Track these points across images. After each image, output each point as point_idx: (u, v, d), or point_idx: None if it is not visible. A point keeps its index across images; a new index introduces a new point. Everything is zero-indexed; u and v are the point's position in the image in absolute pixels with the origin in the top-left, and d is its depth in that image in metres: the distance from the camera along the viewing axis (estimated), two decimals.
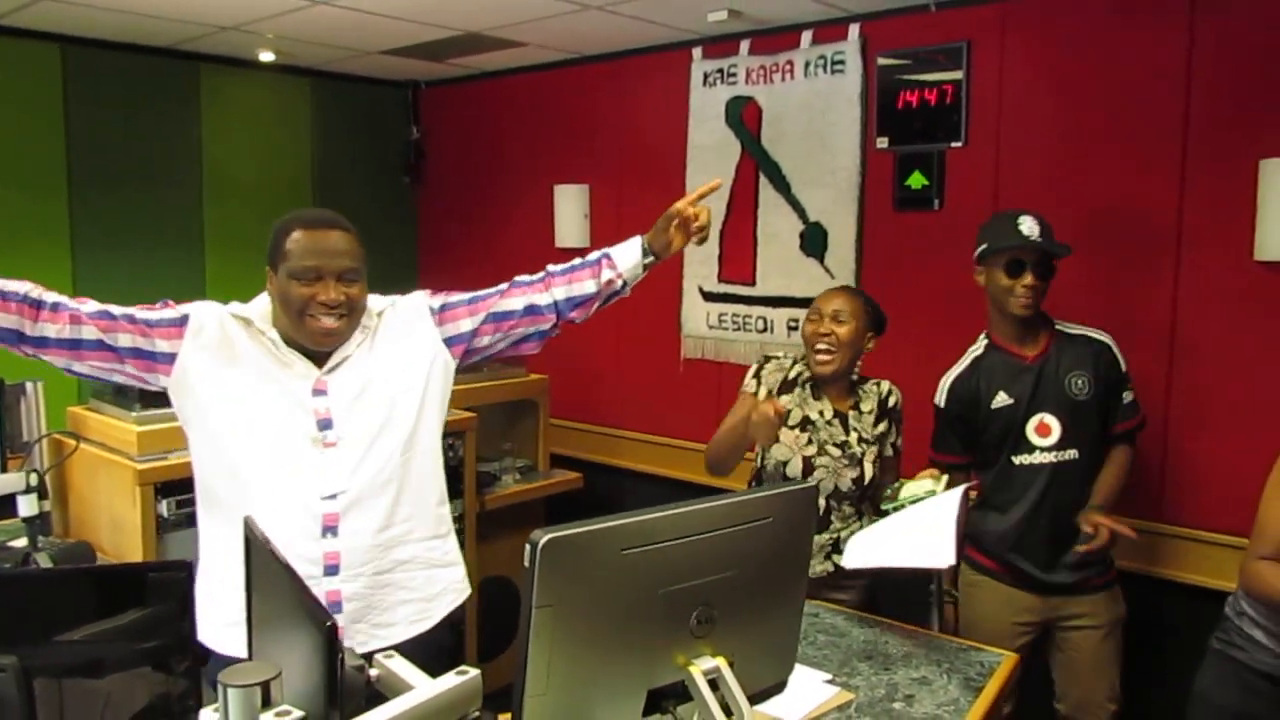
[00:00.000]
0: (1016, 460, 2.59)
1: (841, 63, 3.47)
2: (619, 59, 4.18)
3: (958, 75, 3.21)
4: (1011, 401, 2.58)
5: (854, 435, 2.54)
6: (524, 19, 3.61)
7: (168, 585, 1.27)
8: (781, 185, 3.68)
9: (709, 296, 3.95)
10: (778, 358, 2.60)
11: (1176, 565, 2.92)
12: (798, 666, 1.70)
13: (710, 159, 3.88)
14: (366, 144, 5.00)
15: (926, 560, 2.15)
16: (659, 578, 1.38)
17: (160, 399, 2.67)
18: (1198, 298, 2.84)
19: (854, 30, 3.44)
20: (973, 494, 2.40)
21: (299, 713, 0.99)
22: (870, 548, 2.29)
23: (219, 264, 4.44)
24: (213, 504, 1.94)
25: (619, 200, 4.28)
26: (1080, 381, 2.56)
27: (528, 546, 1.25)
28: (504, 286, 2.13)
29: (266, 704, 0.99)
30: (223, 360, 1.90)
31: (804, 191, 3.63)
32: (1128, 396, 2.62)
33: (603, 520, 1.33)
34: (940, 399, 2.69)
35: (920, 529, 2.21)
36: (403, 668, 1.16)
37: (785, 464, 2.50)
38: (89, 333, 1.83)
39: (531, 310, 2.10)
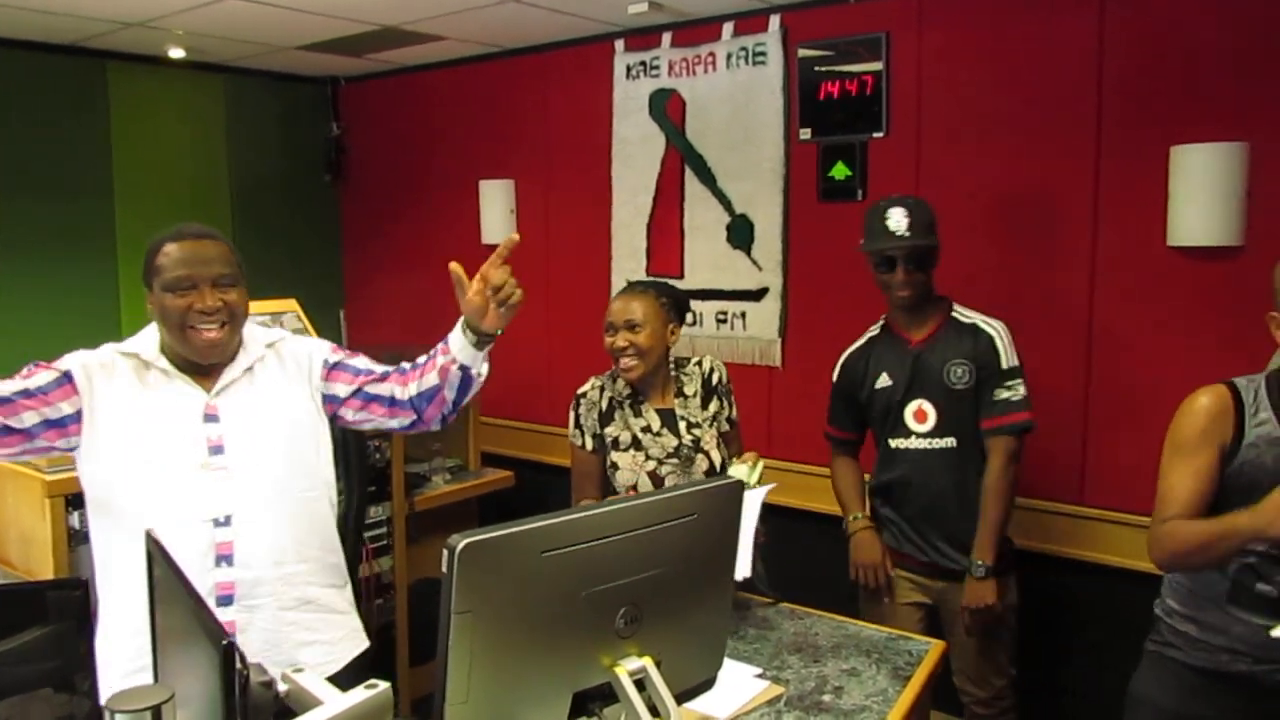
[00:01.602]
0: (893, 443, 2.63)
1: (763, 54, 3.47)
2: (541, 52, 4.14)
3: (877, 66, 3.23)
4: (890, 384, 2.61)
5: (683, 426, 2.49)
6: (440, 12, 3.54)
7: (67, 603, 1.21)
8: (707, 178, 3.68)
9: None
10: (585, 393, 2.52)
11: (1098, 547, 2.98)
12: (727, 661, 1.69)
13: (635, 152, 3.87)
14: (285, 142, 4.87)
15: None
16: (582, 579, 1.36)
17: None
18: (1113, 283, 2.90)
19: (774, 21, 3.44)
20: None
21: None
22: None
23: (133, 268, 4.25)
24: (110, 550, 1.86)
25: (545, 195, 4.24)
26: (960, 371, 2.55)
27: (445, 551, 1.23)
28: (389, 369, 2.06)
29: None
30: (120, 400, 1.85)
31: (729, 184, 3.63)
32: (1001, 394, 2.53)
33: (522, 523, 1.30)
34: (834, 373, 2.75)
35: None
36: (312, 683, 1.12)
37: (635, 486, 2.45)
38: None
39: (393, 403, 2.03)
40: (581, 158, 4.07)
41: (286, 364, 2.01)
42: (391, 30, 3.80)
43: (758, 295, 3.59)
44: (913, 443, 2.60)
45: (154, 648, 1.30)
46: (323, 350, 2.06)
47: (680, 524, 1.49)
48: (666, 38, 3.72)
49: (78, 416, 1.82)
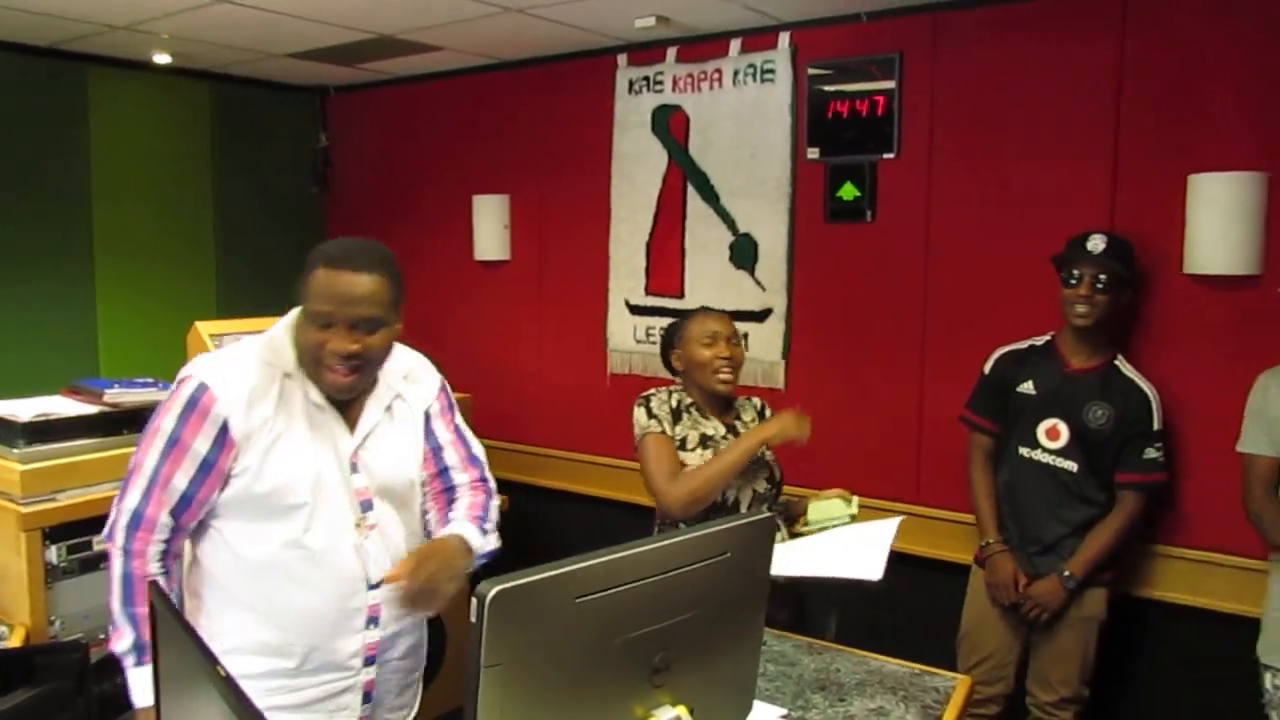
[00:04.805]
0: (1021, 451, 2.75)
1: (771, 72, 3.40)
2: (541, 65, 4.05)
3: (889, 86, 3.17)
4: (1033, 393, 2.74)
5: None
6: (440, 22, 3.46)
7: (61, 666, 1.10)
8: (710, 196, 3.61)
9: (636, 310, 3.84)
10: (655, 393, 2.54)
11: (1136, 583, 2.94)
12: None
13: (636, 168, 3.79)
14: (271, 152, 4.76)
15: (858, 572, 2.10)
16: (616, 626, 1.30)
17: (48, 435, 2.47)
18: (1130, 311, 2.84)
19: (784, 39, 3.38)
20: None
21: None
22: (794, 560, 2.23)
23: (111, 274, 4.16)
24: (242, 588, 1.76)
25: (541, 211, 4.15)
26: (1100, 413, 2.66)
27: (474, 600, 1.16)
28: (450, 464, 1.96)
29: None
30: (277, 443, 1.72)
31: (733, 202, 3.56)
32: (1150, 453, 2.66)
33: (553, 566, 1.23)
34: (987, 366, 2.87)
35: (853, 546, 2.19)
36: None
37: None
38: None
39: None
40: (579, 173, 3.98)
41: (412, 410, 1.91)
42: (388, 39, 3.71)
43: (761, 316, 3.51)
44: (1038, 455, 2.73)
45: (156, 698, 1.18)
46: (428, 398, 1.95)
47: (714, 563, 1.43)
48: (671, 53, 3.65)
49: (231, 471, 1.72)
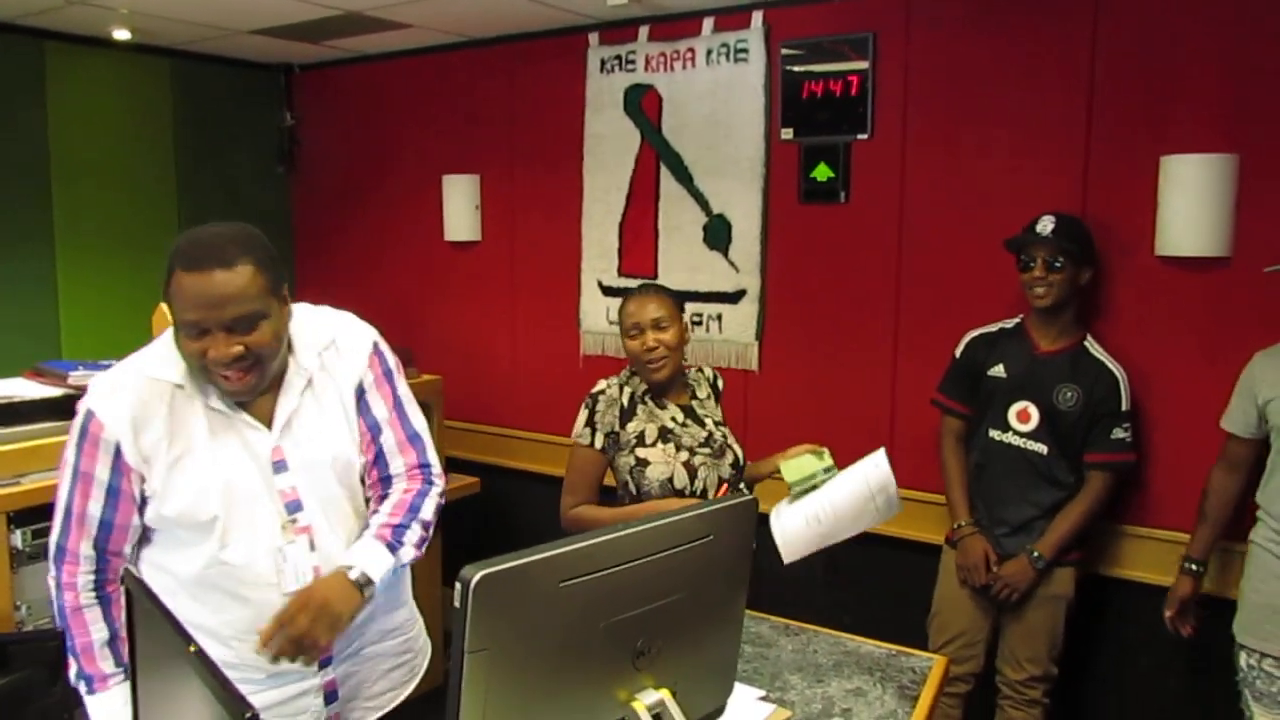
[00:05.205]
0: (992, 434, 2.78)
1: (744, 51, 3.38)
2: (511, 43, 4.00)
3: (863, 66, 3.16)
4: (1004, 376, 2.77)
5: (710, 423, 2.48)
6: None
7: (34, 653, 1.08)
8: (683, 176, 3.58)
9: (609, 291, 3.82)
10: (603, 390, 2.43)
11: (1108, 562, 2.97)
12: None
13: (608, 148, 3.76)
14: (235, 131, 4.65)
15: (883, 514, 2.11)
16: (600, 609, 1.30)
17: (11, 418, 2.42)
18: (1099, 291, 2.87)
19: (757, 18, 3.36)
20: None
21: None
22: (813, 531, 2.15)
23: (72, 255, 4.05)
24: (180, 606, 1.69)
25: (512, 191, 4.11)
26: (1069, 394, 2.68)
27: (458, 585, 1.15)
28: (383, 447, 1.83)
29: None
30: (182, 463, 1.64)
31: (707, 183, 3.54)
32: (1117, 433, 2.68)
33: (539, 550, 1.23)
34: (958, 349, 2.90)
35: (858, 492, 2.13)
36: None
37: (670, 479, 2.36)
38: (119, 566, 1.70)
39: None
40: (551, 153, 3.94)
41: (338, 385, 1.78)
42: (353, 16, 3.64)
43: (735, 297, 3.50)
44: (1009, 438, 2.75)
45: (134, 699, 1.16)
46: (358, 368, 1.81)
47: (697, 546, 1.43)
48: (643, 31, 3.61)
49: (144, 494, 1.67)
